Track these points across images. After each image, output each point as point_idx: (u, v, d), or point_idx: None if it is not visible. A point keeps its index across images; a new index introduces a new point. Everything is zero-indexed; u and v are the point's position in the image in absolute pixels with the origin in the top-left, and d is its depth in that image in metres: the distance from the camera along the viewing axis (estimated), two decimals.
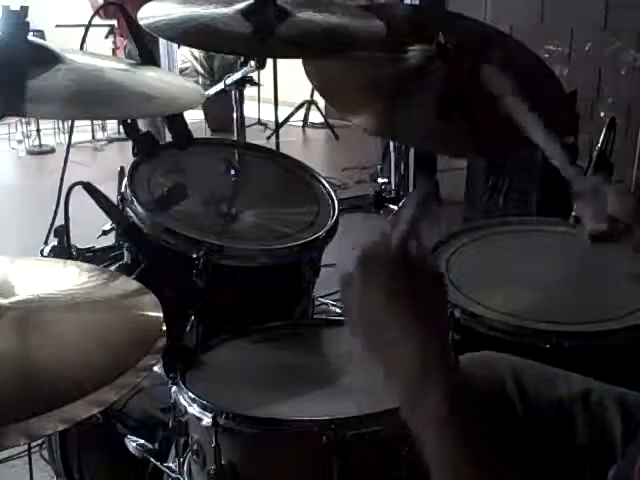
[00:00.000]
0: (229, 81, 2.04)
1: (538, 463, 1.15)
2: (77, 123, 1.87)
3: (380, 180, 1.92)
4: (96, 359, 1.00)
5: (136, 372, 0.97)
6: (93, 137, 6.75)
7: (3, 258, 1.23)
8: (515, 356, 1.29)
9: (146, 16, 1.65)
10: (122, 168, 1.61)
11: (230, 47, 1.81)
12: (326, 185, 1.77)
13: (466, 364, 1.25)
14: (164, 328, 1.07)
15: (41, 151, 6.52)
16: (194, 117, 6.57)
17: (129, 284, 1.20)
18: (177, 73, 5.57)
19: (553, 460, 1.15)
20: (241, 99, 2.09)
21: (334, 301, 2.76)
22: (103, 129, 6.91)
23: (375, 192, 1.88)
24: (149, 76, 1.51)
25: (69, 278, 1.21)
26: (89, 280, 1.20)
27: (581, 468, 1.13)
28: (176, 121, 1.63)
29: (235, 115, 2.11)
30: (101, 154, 6.52)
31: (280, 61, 5.72)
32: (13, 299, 1.06)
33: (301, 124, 7.40)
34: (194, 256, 1.47)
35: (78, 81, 1.26)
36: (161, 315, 1.09)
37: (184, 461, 1.31)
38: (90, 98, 1.26)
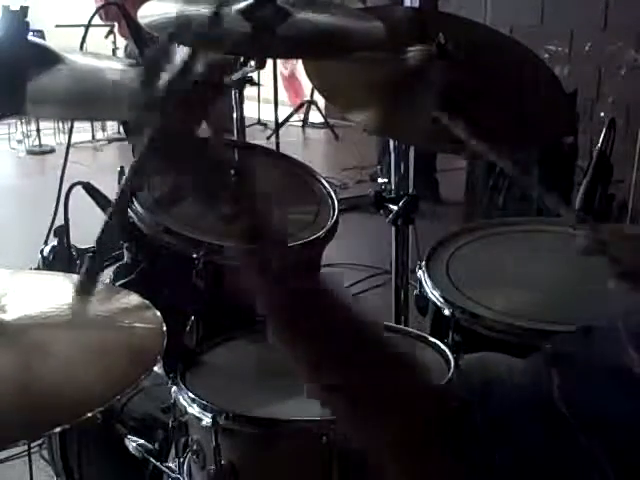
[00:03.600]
0: (229, 81, 2.04)
1: (535, 465, 1.15)
2: (77, 123, 1.87)
3: (380, 180, 1.91)
4: (95, 378, 1.00)
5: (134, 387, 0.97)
6: (93, 137, 6.75)
7: (2, 272, 1.22)
8: (514, 357, 1.29)
9: (145, 15, 1.65)
10: (122, 168, 1.61)
11: (228, 47, 1.80)
12: (326, 185, 1.77)
13: (465, 366, 1.25)
14: (164, 336, 1.07)
15: (41, 151, 6.52)
16: None
17: (129, 299, 1.20)
18: None
19: (550, 463, 1.14)
20: (241, 99, 2.09)
21: None
22: (103, 129, 6.91)
23: (375, 192, 1.87)
24: None
25: (68, 293, 1.21)
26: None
27: (578, 471, 1.13)
28: None
29: (235, 115, 2.11)
30: (101, 154, 6.53)
31: (280, 61, 5.73)
32: (12, 315, 1.06)
33: (301, 124, 7.40)
34: (194, 256, 1.46)
35: (78, 80, 1.26)
36: (163, 331, 1.09)
37: (184, 461, 1.31)
38: (90, 98, 1.26)
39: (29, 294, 1.17)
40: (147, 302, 1.18)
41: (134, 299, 1.20)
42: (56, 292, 1.21)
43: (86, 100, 1.24)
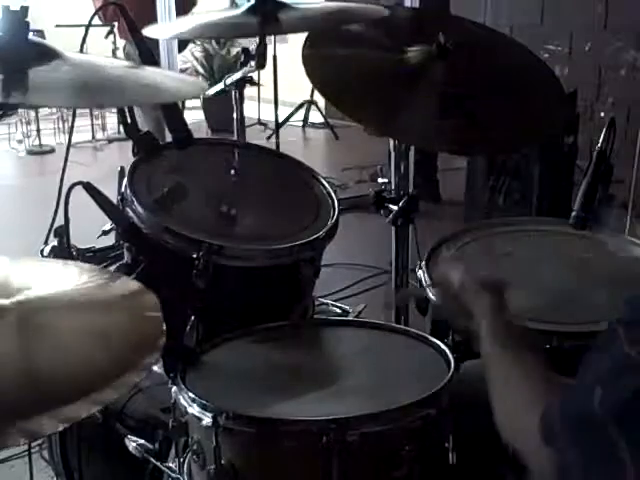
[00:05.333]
0: (229, 81, 2.04)
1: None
2: (77, 123, 1.87)
3: (380, 180, 1.91)
4: (96, 360, 1.00)
5: (136, 372, 0.97)
6: (93, 137, 6.76)
7: (3, 258, 1.23)
8: None
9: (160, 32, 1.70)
10: (122, 168, 1.61)
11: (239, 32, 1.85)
12: (326, 185, 1.77)
13: (468, 371, 1.25)
14: (164, 328, 1.07)
15: (41, 151, 6.53)
16: (194, 117, 6.58)
17: (129, 284, 1.20)
18: (177, 73, 5.56)
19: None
20: (241, 99, 2.09)
21: (334, 301, 2.76)
22: (103, 129, 6.92)
23: (375, 192, 1.87)
24: (150, 71, 1.51)
25: (69, 279, 1.21)
26: (89, 281, 1.20)
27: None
28: (176, 121, 1.63)
29: (235, 115, 2.11)
30: (101, 154, 6.53)
31: (280, 61, 5.73)
32: (14, 300, 1.06)
33: (301, 124, 7.41)
34: (194, 256, 1.46)
35: (79, 73, 1.26)
36: (161, 315, 1.09)
37: (184, 461, 1.31)
38: (92, 87, 1.26)
39: (31, 279, 1.17)
40: (145, 288, 1.18)
41: (133, 285, 1.20)
42: (57, 277, 1.21)
43: (87, 89, 1.24)
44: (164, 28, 1.76)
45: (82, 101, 1.40)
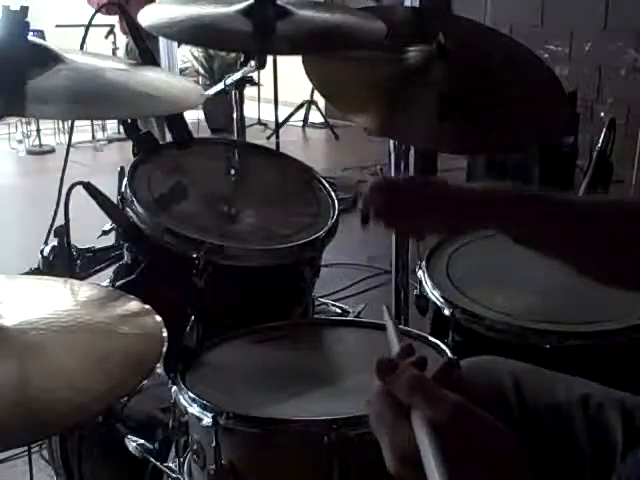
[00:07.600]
0: (229, 81, 2.04)
1: (537, 469, 1.15)
2: (77, 123, 1.88)
3: None
4: (95, 383, 0.99)
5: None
6: (93, 137, 6.76)
7: (1, 277, 1.22)
8: (515, 360, 1.28)
9: (147, 17, 1.65)
10: (122, 168, 1.61)
11: (230, 45, 1.82)
12: (326, 185, 1.77)
13: (466, 369, 1.25)
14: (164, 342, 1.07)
15: (41, 151, 6.54)
16: (194, 117, 6.57)
17: (129, 304, 1.20)
18: (177, 73, 5.58)
19: (552, 466, 1.14)
20: (241, 99, 2.09)
21: (334, 301, 2.76)
22: (103, 129, 6.92)
23: None
24: (149, 76, 1.51)
25: (68, 298, 1.20)
26: (88, 300, 1.19)
27: (581, 474, 1.12)
28: (176, 121, 1.63)
29: (235, 115, 2.11)
30: (101, 154, 6.54)
31: (280, 61, 5.73)
32: (11, 321, 1.05)
33: (301, 124, 7.41)
34: (194, 256, 1.46)
35: (78, 81, 1.26)
36: (163, 336, 1.09)
37: (184, 461, 1.30)
38: (90, 98, 1.26)
39: (28, 299, 1.17)
40: (147, 307, 1.18)
41: (134, 305, 1.20)
42: (55, 297, 1.20)
43: (86, 100, 1.24)
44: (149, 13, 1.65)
45: (80, 113, 1.40)
